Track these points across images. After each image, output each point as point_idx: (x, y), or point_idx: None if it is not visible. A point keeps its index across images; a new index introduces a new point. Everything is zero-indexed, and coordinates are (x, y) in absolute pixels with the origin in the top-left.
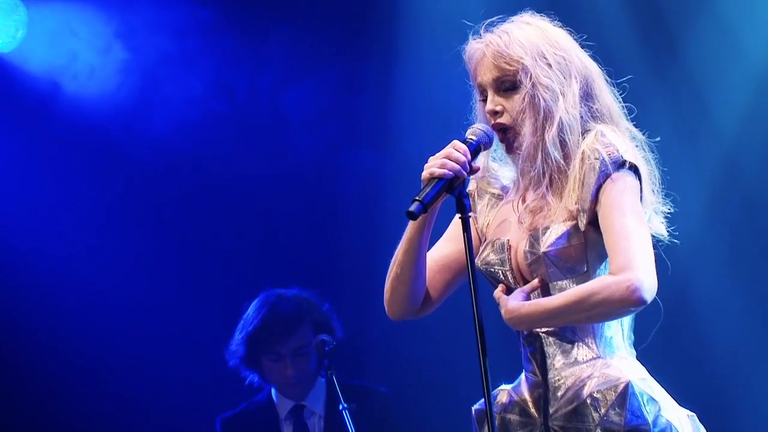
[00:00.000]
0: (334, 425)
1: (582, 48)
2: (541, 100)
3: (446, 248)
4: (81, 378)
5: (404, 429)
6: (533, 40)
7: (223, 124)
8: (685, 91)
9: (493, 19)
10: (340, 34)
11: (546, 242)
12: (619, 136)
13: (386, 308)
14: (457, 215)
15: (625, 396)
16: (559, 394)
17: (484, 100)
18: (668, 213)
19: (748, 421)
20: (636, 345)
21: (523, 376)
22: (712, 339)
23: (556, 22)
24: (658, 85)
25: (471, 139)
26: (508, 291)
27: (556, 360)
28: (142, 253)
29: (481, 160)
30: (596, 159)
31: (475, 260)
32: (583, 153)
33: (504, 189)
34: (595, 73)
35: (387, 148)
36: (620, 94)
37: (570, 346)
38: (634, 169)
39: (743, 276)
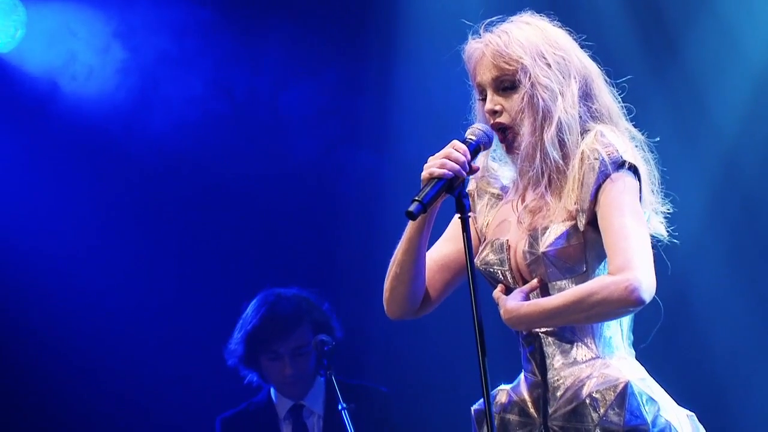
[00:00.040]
0: (333, 425)
1: (581, 48)
2: (540, 100)
3: (446, 248)
4: (81, 378)
5: (404, 429)
6: (533, 39)
7: (223, 124)
8: (684, 91)
9: (493, 18)
10: (340, 34)
11: (545, 242)
12: (618, 136)
13: (385, 308)
14: (457, 215)
15: (624, 396)
16: (559, 394)
17: (484, 100)
18: (668, 213)
19: (748, 421)
20: (636, 345)
21: (522, 376)
22: (712, 339)
23: (555, 22)
24: (657, 85)
25: (470, 139)
26: (508, 291)
27: (556, 360)
28: (141, 252)
29: (480, 160)
30: (596, 159)
31: (475, 260)
32: (582, 153)
33: (504, 189)
34: (595, 73)
35: (386, 148)
36: (619, 94)
37: (569, 346)
38: (634, 170)
39: (743, 276)
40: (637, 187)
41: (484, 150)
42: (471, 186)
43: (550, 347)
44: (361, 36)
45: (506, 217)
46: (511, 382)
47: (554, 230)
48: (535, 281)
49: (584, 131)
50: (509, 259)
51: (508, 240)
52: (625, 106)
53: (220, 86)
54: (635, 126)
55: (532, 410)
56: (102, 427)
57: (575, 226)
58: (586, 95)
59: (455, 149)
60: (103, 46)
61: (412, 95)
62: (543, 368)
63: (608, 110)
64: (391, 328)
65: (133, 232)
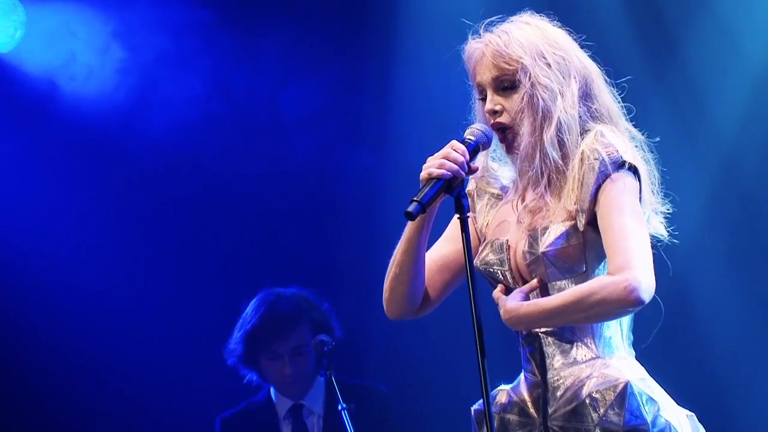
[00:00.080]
0: (333, 425)
1: (581, 48)
2: (540, 100)
3: (445, 248)
4: (81, 378)
5: (404, 429)
6: (533, 39)
7: (222, 124)
8: (684, 91)
9: (493, 18)
10: (340, 33)
11: (545, 242)
12: (618, 136)
13: (385, 308)
14: (456, 215)
15: (624, 396)
16: (558, 394)
17: (483, 100)
18: (667, 213)
19: (748, 421)
20: (636, 345)
21: (522, 376)
22: (712, 339)
23: (555, 22)
24: (657, 85)
25: (469, 139)
26: (507, 291)
27: (555, 360)
28: (141, 252)
29: (480, 160)
30: (596, 159)
31: (474, 260)
32: (582, 153)
33: (504, 189)
34: (595, 73)
35: (386, 148)
36: (619, 94)
37: (569, 346)
38: (634, 170)
39: (743, 276)
40: (637, 187)
41: (483, 150)
42: (471, 186)
43: (550, 347)
44: (360, 36)
45: (506, 217)
46: (511, 382)
47: (554, 230)
48: (534, 281)
49: (584, 131)
50: (509, 259)
51: (507, 240)
52: (625, 106)
53: (219, 86)
54: (635, 126)
55: (531, 410)
56: (102, 427)
57: (575, 226)
58: (586, 95)
59: (454, 149)
60: (103, 46)
61: (411, 95)
62: (543, 368)
63: (608, 110)
64: (391, 328)
65: (133, 232)
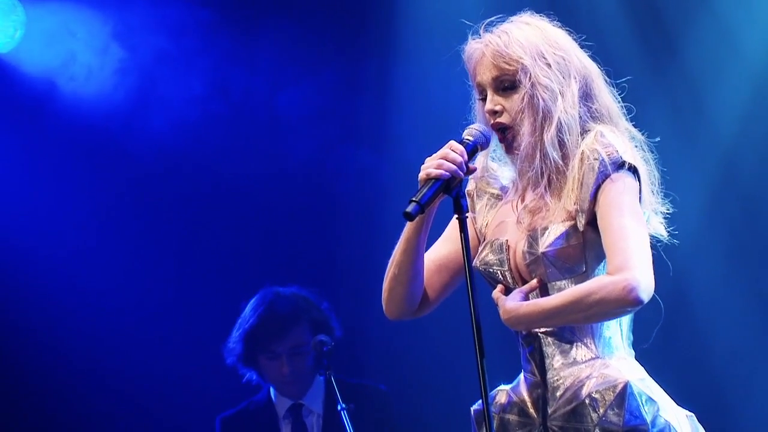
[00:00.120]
0: (332, 424)
1: (581, 48)
2: (540, 100)
3: (444, 249)
4: (81, 378)
5: (404, 428)
6: (533, 40)
7: (221, 124)
8: (683, 91)
9: (493, 18)
10: (339, 33)
11: (545, 242)
12: (618, 136)
13: (384, 308)
14: (455, 216)
15: (623, 396)
16: (558, 394)
17: (483, 100)
18: (667, 213)
19: (748, 421)
20: (637, 345)
21: (521, 376)
22: (712, 339)
23: (555, 22)
24: (656, 85)
25: (467, 139)
26: (507, 291)
27: (555, 360)
28: (140, 252)
29: (480, 161)
30: (595, 159)
31: (474, 260)
32: (582, 153)
33: (503, 189)
34: (595, 73)
35: (385, 148)
36: (619, 94)
37: (569, 346)
38: (633, 170)
39: (742, 276)
40: (637, 187)
41: (481, 150)
42: (470, 186)
43: (550, 347)
44: (360, 36)
45: (506, 217)
46: (510, 383)
47: (554, 230)
48: (534, 281)
49: (584, 131)
50: (509, 260)
51: (507, 240)
52: (625, 106)
53: (218, 86)
54: (635, 126)
55: (531, 410)
56: (102, 427)
57: (575, 227)
58: (586, 95)
59: (452, 150)
60: (102, 46)
61: (411, 95)
62: (542, 368)
63: (608, 110)
64: (391, 327)
65: (132, 232)
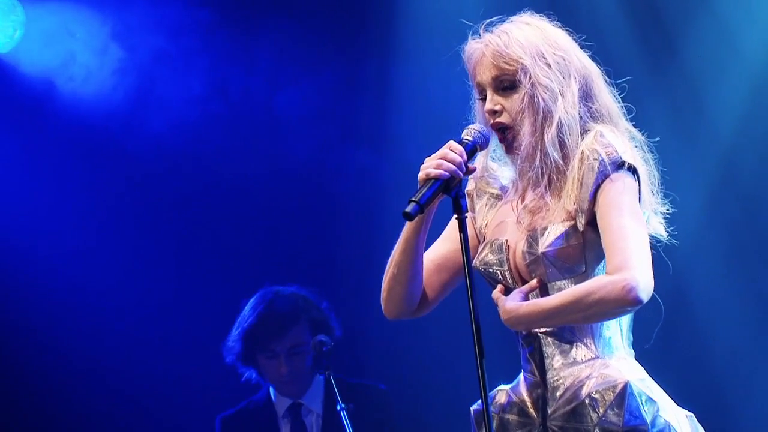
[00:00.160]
0: (332, 424)
1: (581, 48)
2: (540, 100)
3: (443, 248)
4: (81, 378)
5: (403, 427)
6: (532, 40)
7: (221, 124)
8: (683, 91)
9: (493, 19)
10: (338, 33)
11: (544, 242)
12: (618, 136)
13: (383, 308)
14: (455, 216)
15: (623, 396)
16: (558, 394)
17: (483, 100)
18: (667, 213)
19: (748, 421)
20: (637, 346)
21: (521, 376)
22: (712, 339)
23: (555, 22)
24: (656, 85)
25: (467, 139)
26: (507, 291)
27: (555, 360)
28: (140, 252)
29: (480, 161)
30: (595, 159)
31: (474, 260)
32: (582, 153)
33: (503, 189)
34: (594, 73)
35: (385, 148)
36: (619, 94)
37: (569, 346)
38: (633, 170)
39: (742, 276)
40: (637, 187)
41: (480, 150)
42: (470, 186)
43: (550, 347)
44: (359, 36)
45: (505, 217)
46: (510, 383)
47: (553, 230)
48: (534, 281)
49: (584, 131)
50: (508, 260)
51: (507, 240)
52: (625, 106)
53: (217, 86)
54: (635, 126)
55: (531, 410)
56: (102, 427)
57: (574, 227)
58: (586, 95)
59: (451, 150)
60: (101, 46)
61: (410, 95)
62: (542, 368)
63: (608, 110)
64: (391, 327)
65: (132, 232)
